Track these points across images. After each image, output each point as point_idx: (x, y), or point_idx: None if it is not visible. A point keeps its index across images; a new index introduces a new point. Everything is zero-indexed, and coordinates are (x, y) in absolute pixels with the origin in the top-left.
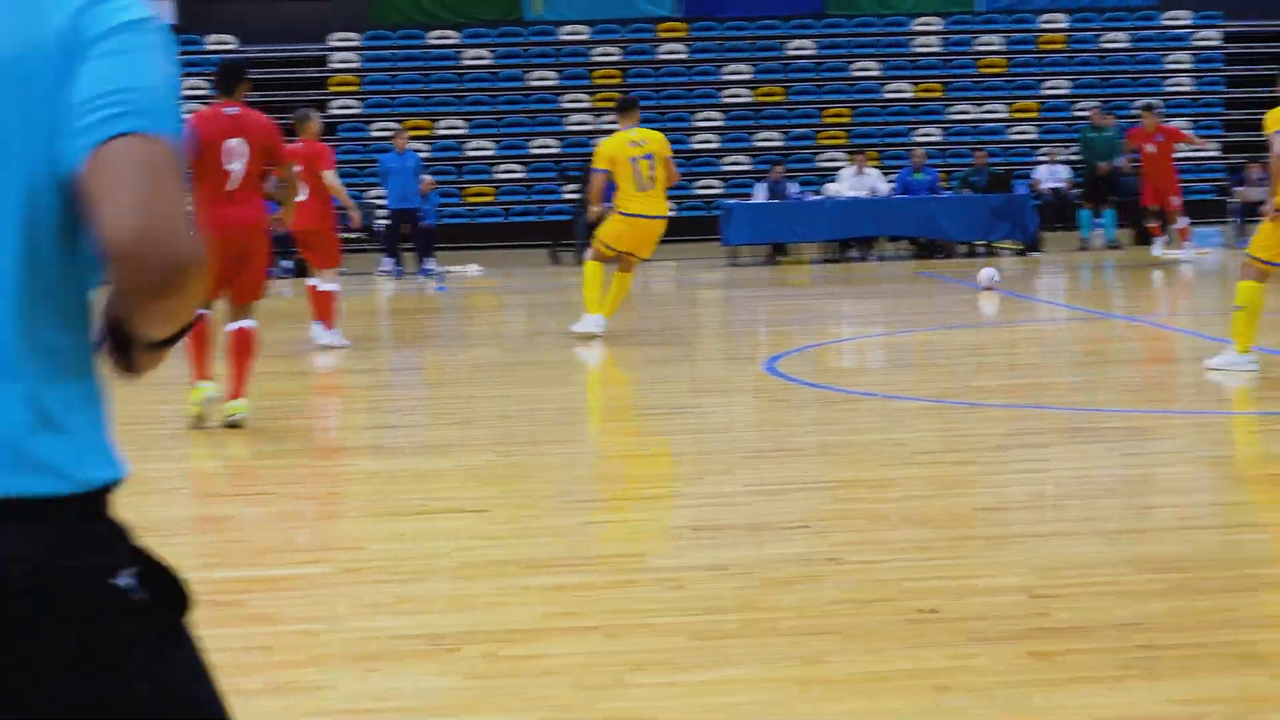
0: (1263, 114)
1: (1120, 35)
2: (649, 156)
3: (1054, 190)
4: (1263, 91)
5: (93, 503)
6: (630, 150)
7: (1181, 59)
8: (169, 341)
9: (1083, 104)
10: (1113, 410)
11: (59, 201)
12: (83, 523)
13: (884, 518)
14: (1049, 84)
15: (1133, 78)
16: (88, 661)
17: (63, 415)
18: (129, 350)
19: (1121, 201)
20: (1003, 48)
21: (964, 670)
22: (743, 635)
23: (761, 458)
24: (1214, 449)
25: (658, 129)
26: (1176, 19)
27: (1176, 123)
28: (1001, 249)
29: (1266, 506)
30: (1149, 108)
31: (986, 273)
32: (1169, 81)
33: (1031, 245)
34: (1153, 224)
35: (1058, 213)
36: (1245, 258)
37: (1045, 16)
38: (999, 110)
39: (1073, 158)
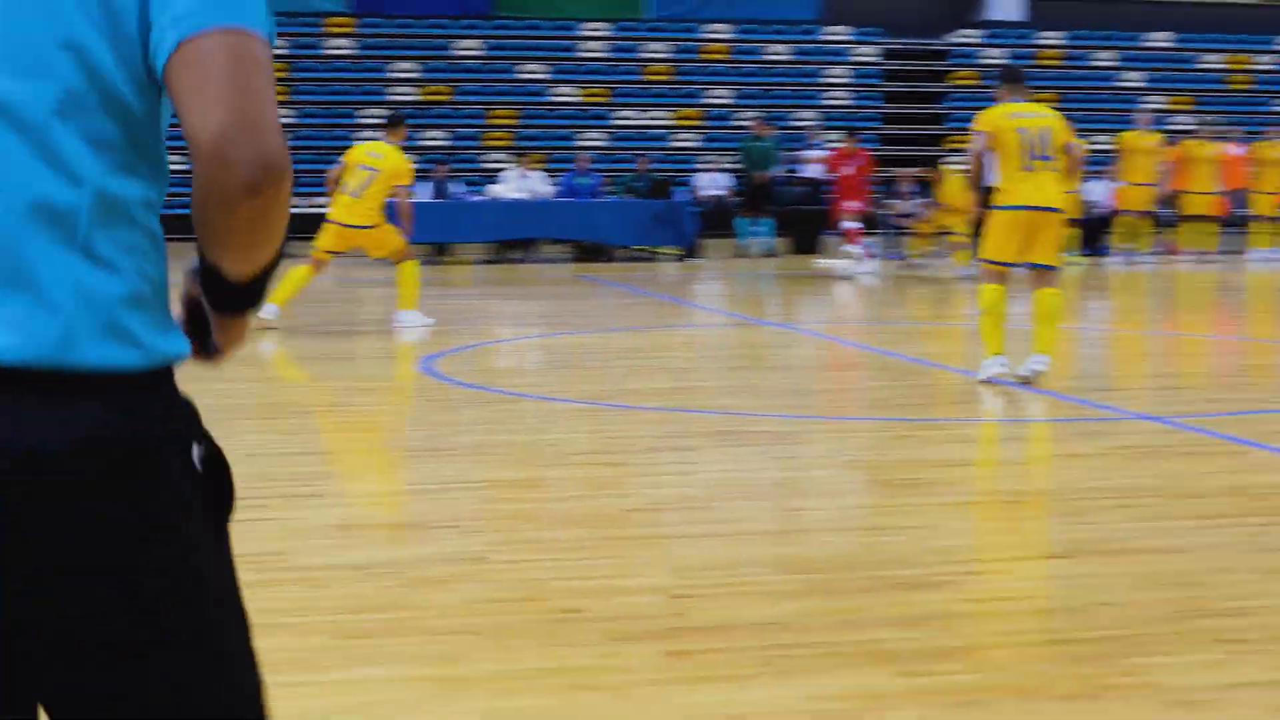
0: (918, 129)
1: (782, 48)
2: (374, 171)
3: (714, 198)
4: (918, 107)
5: (167, 375)
6: (363, 158)
7: (841, 73)
8: (255, 289)
9: (744, 114)
10: (763, 415)
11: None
12: (159, 394)
13: (534, 518)
14: (712, 93)
15: (793, 90)
16: (147, 531)
17: (143, 289)
18: (208, 328)
19: (779, 210)
20: (668, 55)
21: (602, 669)
22: (385, 634)
23: (415, 457)
24: (857, 453)
25: (323, 124)
26: (837, 34)
27: (832, 135)
28: (661, 254)
29: (902, 510)
30: (851, 131)
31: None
32: (828, 95)
33: (691, 251)
34: (847, 233)
35: (717, 220)
36: (981, 263)
37: (710, 26)
38: (663, 117)
39: (733, 166)
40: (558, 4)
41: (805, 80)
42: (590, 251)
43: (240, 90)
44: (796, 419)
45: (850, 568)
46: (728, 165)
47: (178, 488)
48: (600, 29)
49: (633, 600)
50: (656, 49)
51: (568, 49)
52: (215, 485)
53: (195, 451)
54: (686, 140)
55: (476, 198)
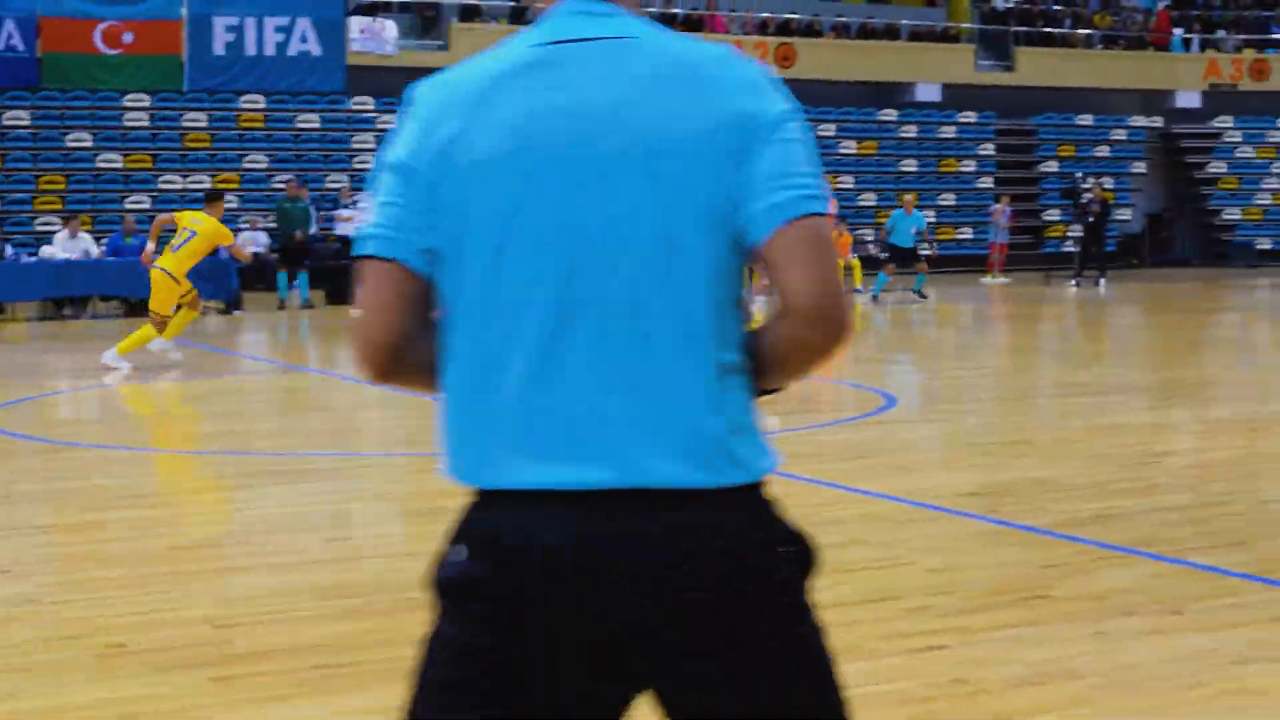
0: None
1: (313, 116)
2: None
3: (255, 254)
4: None
5: (760, 487)
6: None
7: (368, 140)
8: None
9: (280, 177)
10: (306, 454)
11: (729, 251)
12: (757, 502)
13: (86, 559)
14: (249, 158)
15: (325, 155)
16: (762, 618)
17: (743, 420)
18: None
19: (315, 266)
20: (207, 125)
21: (150, 698)
22: None
23: None
24: (390, 486)
25: None
26: (363, 104)
27: (365, 196)
28: (207, 308)
29: (429, 536)
30: None
31: None
32: (358, 159)
33: (234, 304)
34: None
35: (258, 275)
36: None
37: (246, 98)
38: (204, 181)
39: (271, 226)
40: (101, 77)
41: (336, 146)
42: (139, 307)
43: (832, 270)
44: (337, 456)
45: (384, 591)
46: (266, 225)
47: (778, 583)
48: (142, 100)
49: (180, 632)
50: (196, 118)
51: (112, 119)
52: (803, 563)
53: (783, 548)
54: (226, 202)
55: (29, 258)
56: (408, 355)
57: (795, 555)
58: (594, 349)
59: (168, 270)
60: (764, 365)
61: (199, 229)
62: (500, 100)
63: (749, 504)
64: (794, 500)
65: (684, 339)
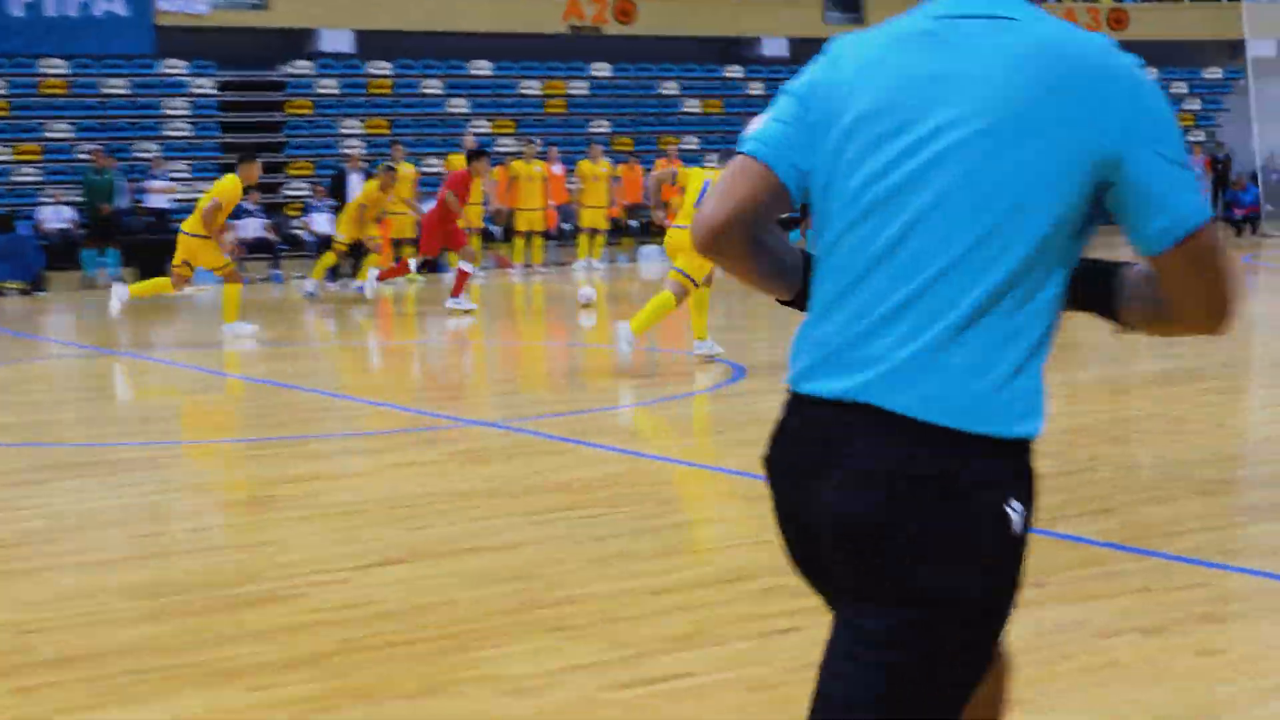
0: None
1: (120, 82)
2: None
3: (60, 230)
4: (257, 136)
5: (1010, 446)
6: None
7: (180, 105)
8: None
9: (85, 146)
10: (118, 443)
11: (1066, 237)
12: (1005, 459)
13: None
14: (52, 127)
15: (133, 122)
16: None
17: (1015, 384)
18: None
19: (126, 240)
20: (5, 91)
21: None
22: None
23: None
24: (208, 475)
25: None
26: (174, 68)
27: (178, 165)
28: (7, 289)
29: (249, 527)
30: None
31: (585, 291)
32: (169, 126)
33: (36, 285)
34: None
35: (63, 252)
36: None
37: (46, 62)
38: (3, 153)
39: (77, 199)
40: None
41: (145, 113)
42: None
43: (1223, 277)
44: (151, 445)
45: (200, 588)
46: (71, 198)
47: (987, 534)
48: None
49: None
50: None
51: None
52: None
53: (1011, 508)
54: (28, 175)
55: None
56: (736, 241)
57: (1017, 520)
58: (900, 297)
59: (187, 231)
60: (1143, 317)
61: (216, 186)
62: (890, 62)
63: (991, 456)
64: (641, 477)
65: (988, 307)
